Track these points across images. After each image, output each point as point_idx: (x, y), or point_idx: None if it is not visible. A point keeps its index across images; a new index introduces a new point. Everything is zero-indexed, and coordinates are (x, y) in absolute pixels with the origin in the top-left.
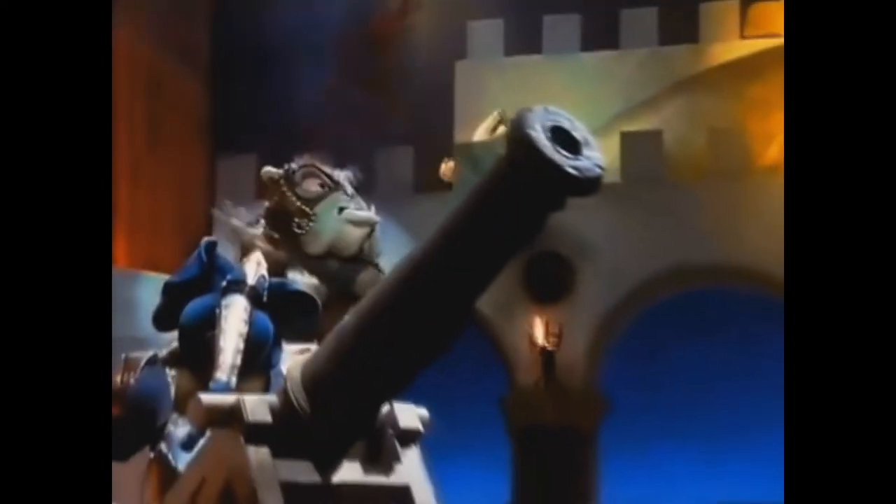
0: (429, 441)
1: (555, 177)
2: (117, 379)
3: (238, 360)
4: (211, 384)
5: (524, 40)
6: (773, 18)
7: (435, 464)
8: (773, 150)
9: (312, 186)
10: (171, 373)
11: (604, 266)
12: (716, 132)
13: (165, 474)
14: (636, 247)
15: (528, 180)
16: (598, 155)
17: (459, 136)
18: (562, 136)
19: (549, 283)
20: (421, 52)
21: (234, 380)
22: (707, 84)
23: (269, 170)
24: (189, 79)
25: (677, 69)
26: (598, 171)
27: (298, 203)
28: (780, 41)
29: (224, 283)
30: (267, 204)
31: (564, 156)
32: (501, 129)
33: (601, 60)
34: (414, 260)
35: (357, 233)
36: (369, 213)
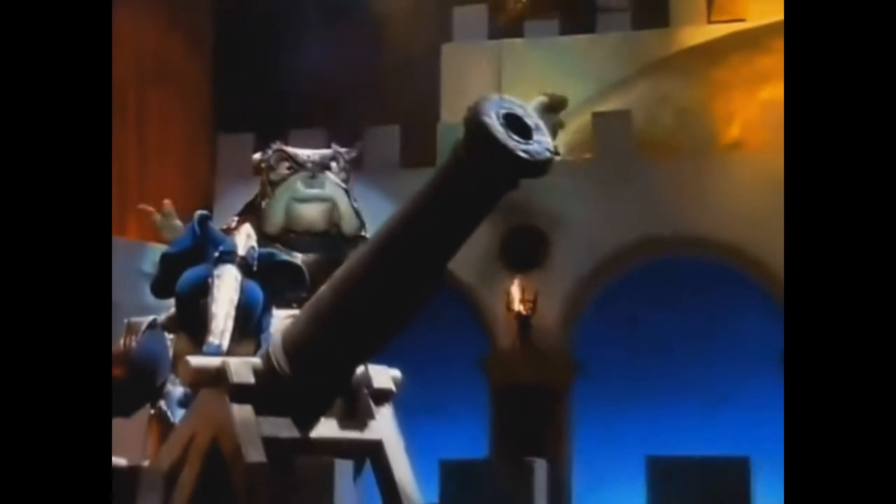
0: (415, 397)
1: (507, 160)
2: (121, 342)
3: (229, 325)
4: (204, 347)
5: (507, 25)
6: (737, 4)
7: (421, 418)
8: (734, 129)
9: (282, 169)
10: (169, 336)
11: (576, 237)
12: (682, 111)
13: (164, 429)
14: (607, 219)
15: (483, 163)
16: (549, 139)
17: (445, 115)
18: (515, 123)
19: (525, 253)
20: (410, 35)
21: (225, 343)
22: (675, 66)
23: (255, 156)
24: (194, 59)
25: (648, 52)
26: (547, 154)
27: (268, 186)
28: (744, 25)
29: (216, 254)
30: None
31: (517, 141)
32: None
33: (578, 44)
34: (384, 233)
35: (311, 209)
36: (316, 191)
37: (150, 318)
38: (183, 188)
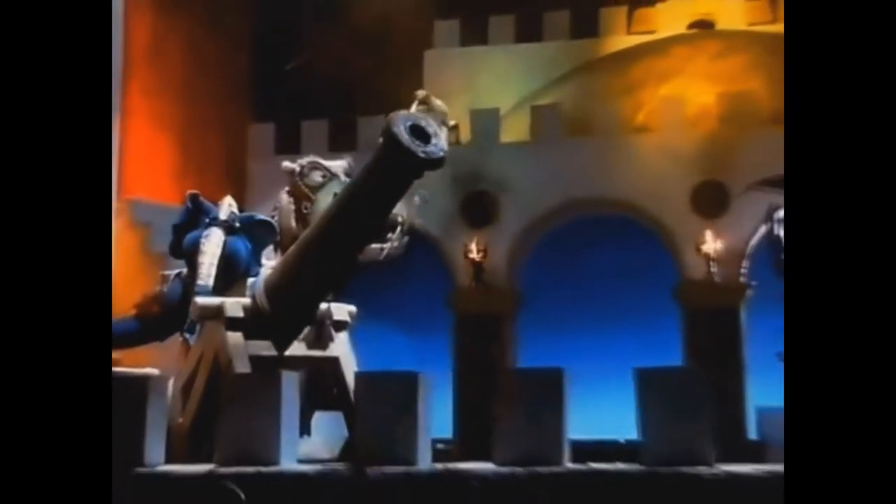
0: (399, 324)
1: (410, 158)
2: (157, 288)
3: (213, 270)
4: (195, 287)
5: (475, 35)
6: (650, 19)
7: (402, 338)
8: (640, 116)
9: (316, 177)
10: (182, 283)
11: (518, 200)
12: (602, 102)
13: (187, 349)
14: (541, 186)
15: (395, 160)
16: (443, 143)
17: None
18: (418, 131)
19: (479, 212)
20: (398, 43)
21: (210, 282)
22: (600, 67)
23: (286, 164)
24: (235, 54)
25: (581, 56)
26: (441, 153)
27: (306, 190)
28: (654, 36)
29: (207, 220)
30: (286, 188)
31: (418, 144)
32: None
33: (529, 50)
34: (333, 206)
35: None
36: None
37: (177, 271)
38: (221, 160)
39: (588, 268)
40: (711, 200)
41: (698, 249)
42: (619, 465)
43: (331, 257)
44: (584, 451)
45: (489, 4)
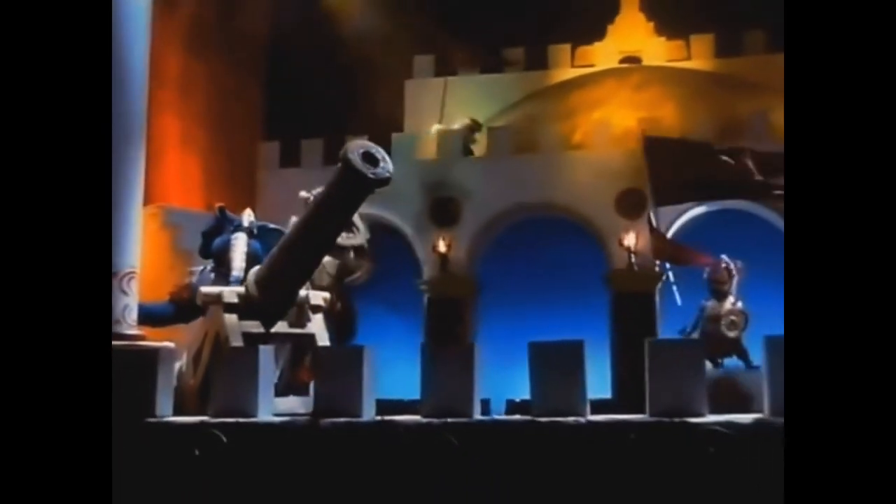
0: (381, 305)
1: (362, 178)
2: (186, 280)
3: (243, 265)
4: (230, 278)
5: (446, 68)
6: (589, 55)
7: (382, 317)
8: (577, 136)
9: None
10: (211, 276)
11: (477, 204)
12: (547, 124)
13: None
14: (496, 193)
15: (350, 179)
16: (389, 166)
17: (407, 127)
18: (369, 157)
19: (445, 214)
20: (382, 75)
21: (241, 274)
22: (547, 95)
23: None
24: (252, 81)
25: (532, 85)
26: (386, 174)
27: None
28: (591, 69)
29: (232, 228)
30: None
31: (368, 167)
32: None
33: (490, 80)
34: (305, 216)
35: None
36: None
37: (202, 266)
38: (242, 176)
39: (534, 259)
40: (632, 204)
41: (621, 244)
42: (515, 417)
43: (305, 255)
44: (519, 407)
45: (459, 42)
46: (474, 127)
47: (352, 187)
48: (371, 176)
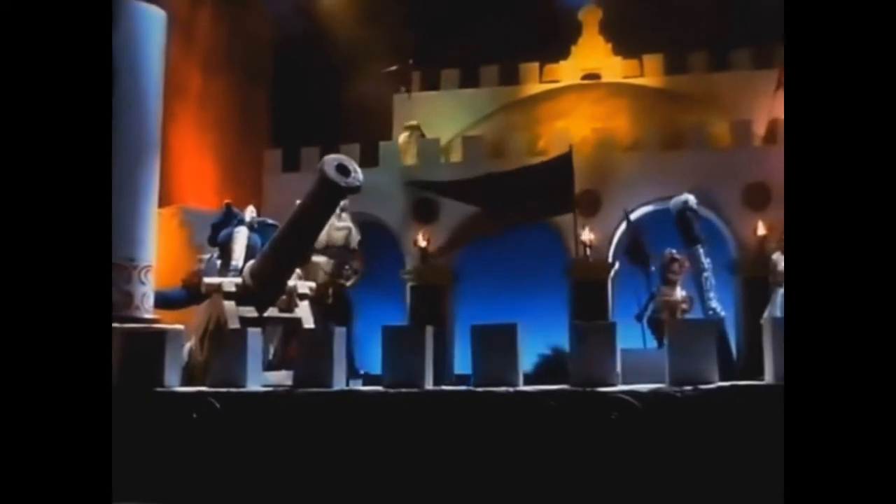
0: (370, 292)
1: (335, 187)
2: (195, 267)
3: (243, 255)
4: (230, 267)
5: (430, 83)
6: (555, 72)
7: (371, 302)
8: (541, 143)
9: None
10: (217, 263)
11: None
12: (515, 133)
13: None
14: None
15: (325, 188)
16: (360, 176)
17: (395, 136)
18: (342, 168)
19: (426, 212)
20: (373, 88)
21: (240, 264)
22: (518, 107)
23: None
24: (258, 91)
25: (504, 98)
26: (357, 183)
27: None
28: (557, 84)
29: (236, 221)
30: None
31: (342, 177)
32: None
33: (468, 94)
34: (289, 219)
35: (339, 234)
36: (344, 223)
37: (209, 255)
38: (250, 180)
39: (503, 252)
40: (589, 204)
41: (578, 238)
42: (461, 387)
43: (290, 252)
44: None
45: (441, 60)
46: (415, 129)
47: (328, 194)
48: (343, 185)
